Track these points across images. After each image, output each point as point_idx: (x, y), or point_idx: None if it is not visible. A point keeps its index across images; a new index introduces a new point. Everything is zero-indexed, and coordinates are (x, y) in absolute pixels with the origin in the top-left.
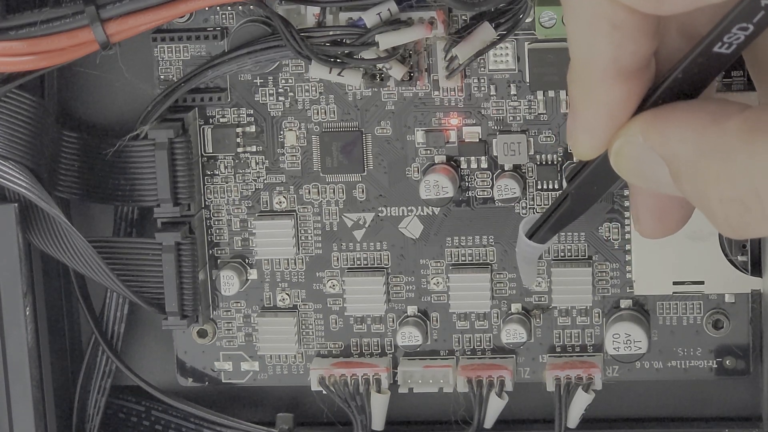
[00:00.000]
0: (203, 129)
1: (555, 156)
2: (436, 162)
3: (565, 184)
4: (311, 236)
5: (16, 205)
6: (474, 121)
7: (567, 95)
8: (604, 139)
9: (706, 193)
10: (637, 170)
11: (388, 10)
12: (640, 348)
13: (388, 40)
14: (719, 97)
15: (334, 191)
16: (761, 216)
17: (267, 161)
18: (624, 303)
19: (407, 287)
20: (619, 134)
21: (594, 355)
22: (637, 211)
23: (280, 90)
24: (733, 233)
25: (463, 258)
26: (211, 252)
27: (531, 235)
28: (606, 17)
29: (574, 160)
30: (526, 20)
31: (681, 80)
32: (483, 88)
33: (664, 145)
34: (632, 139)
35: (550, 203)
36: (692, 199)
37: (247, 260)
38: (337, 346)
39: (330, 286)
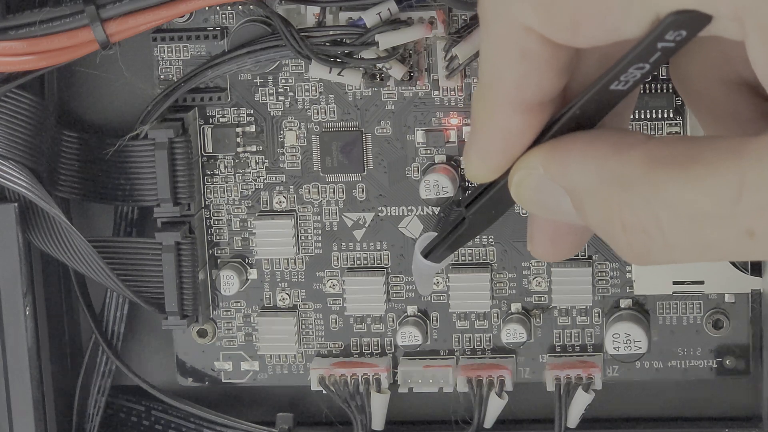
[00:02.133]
0: (203, 129)
1: None
2: (436, 162)
3: None
4: (311, 236)
5: (16, 205)
6: None
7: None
8: (496, 165)
9: (610, 221)
10: (539, 201)
11: (388, 10)
12: (640, 348)
13: (388, 40)
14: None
15: (334, 191)
16: (663, 245)
17: (267, 161)
18: (624, 303)
19: (407, 287)
20: (519, 166)
21: (594, 355)
22: (533, 233)
23: (280, 90)
24: (637, 260)
25: (463, 258)
26: (211, 252)
27: (427, 254)
28: (516, 44)
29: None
30: None
31: (579, 114)
32: None
33: (565, 176)
34: (532, 171)
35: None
36: (596, 228)
37: (247, 260)
38: (337, 345)
39: (330, 286)
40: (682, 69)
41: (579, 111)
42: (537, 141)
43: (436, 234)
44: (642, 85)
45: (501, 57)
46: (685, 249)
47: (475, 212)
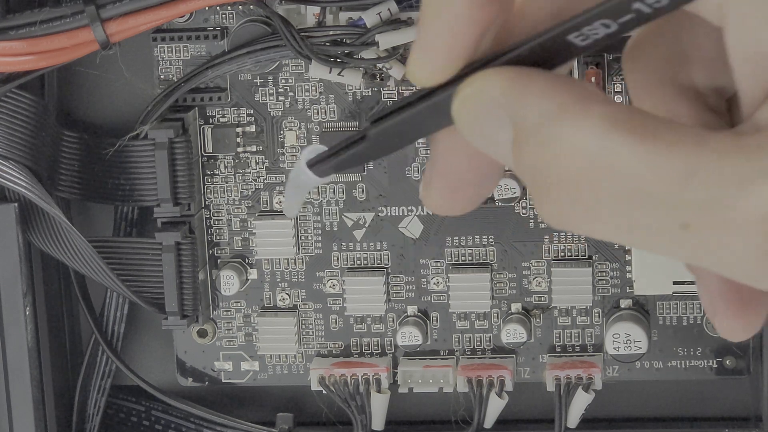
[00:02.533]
0: (203, 129)
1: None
2: None
3: None
4: (311, 236)
5: (16, 205)
6: None
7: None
8: (439, 63)
9: (547, 168)
10: (479, 124)
11: (388, 10)
12: (640, 348)
13: (388, 40)
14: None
15: (334, 191)
16: (586, 212)
17: (267, 161)
18: (624, 303)
19: (407, 287)
20: (474, 80)
21: (594, 355)
22: (431, 178)
23: (280, 90)
24: (555, 219)
25: (463, 258)
26: (211, 252)
27: (313, 165)
28: None
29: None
30: None
31: (526, 57)
32: None
33: (521, 107)
34: (487, 88)
35: None
36: (525, 171)
37: (247, 260)
38: (337, 345)
39: (330, 286)
40: (636, 59)
41: (527, 52)
42: (482, 66)
43: (327, 148)
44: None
45: None
46: (612, 224)
47: (380, 130)
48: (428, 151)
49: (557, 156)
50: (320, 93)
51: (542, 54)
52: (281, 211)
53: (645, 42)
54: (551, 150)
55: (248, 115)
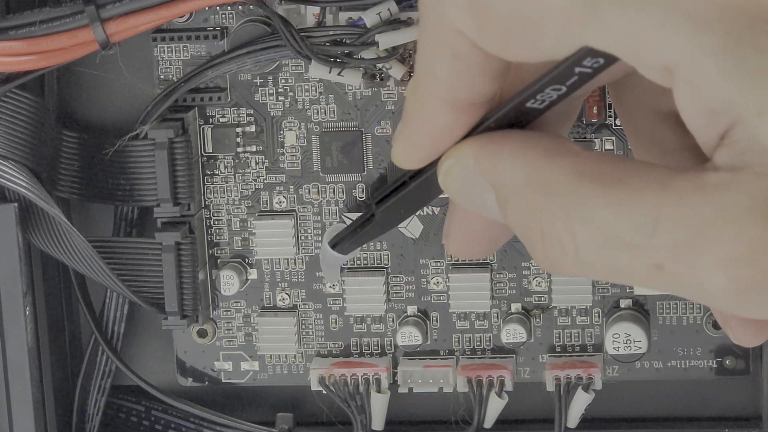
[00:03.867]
0: (203, 129)
1: None
2: None
3: None
4: (311, 236)
5: (16, 205)
6: None
7: None
8: (420, 156)
9: (529, 225)
10: (464, 192)
11: (388, 10)
12: (640, 348)
13: (388, 40)
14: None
15: (334, 191)
16: (575, 259)
17: (267, 161)
18: (624, 303)
19: (407, 287)
20: (450, 154)
21: (594, 355)
22: (450, 227)
23: (280, 90)
24: (550, 269)
25: (463, 258)
26: (211, 252)
27: (335, 245)
28: (449, 45)
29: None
30: None
31: (501, 122)
32: None
33: (494, 173)
34: (462, 161)
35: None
36: (515, 229)
37: (247, 260)
38: (337, 345)
39: (330, 286)
40: (620, 92)
41: (493, 124)
42: (471, 134)
43: (344, 227)
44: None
45: (434, 55)
46: (596, 268)
47: (385, 209)
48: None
49: (536, 217)
50: (320, 93)
51: (512, 119)
52: (281, 211)
53: (626, 75)
54: (530, 212)
55: (248, 115)
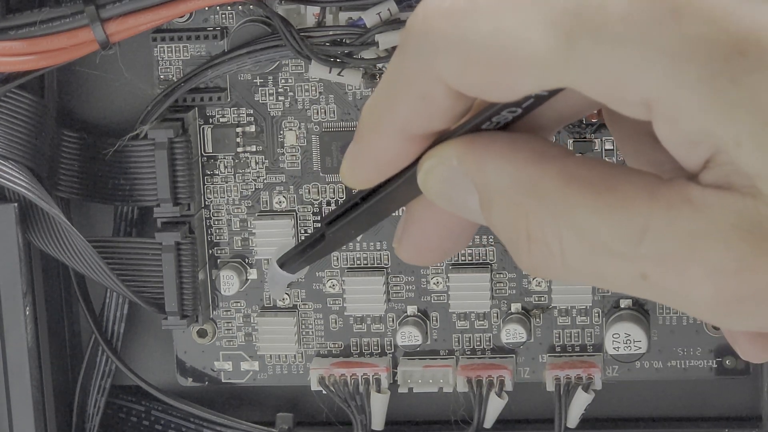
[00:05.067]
0: (203, 129)
1: None
2: None
3: None
4: None
5: (16, 205)
6: None
7: None
8: (365, 177)
9: (515, 227)
10: (445, 193)
11: (388, 10)
12: (640, 348)
13: (388, 40)
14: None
15: (334, 191)
16: (560, 264)
17: (267, 161)
18: (624, 303)
19: (407, 287)
20: (433, 154)
21: (594, 355)
22: (403, 233)
23: (280, 90)
24: (534, 272)
25: (463, 258)
26: (211, 252)
27: (283, 263)
28: (421, 87)
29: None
30: None
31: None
32: None
33: (480, 173)
34: (445, 161)
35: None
36: (498, 230)
37: (247, 260)
38: (336, 345)
39: (330, 286)
40: (613, 115)
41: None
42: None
43: (293, 247)
44: None
45: (401, 92)
46: (581, 274)
47: (335, 230)
48: None
49: (522, 219)
50: (320, 93)
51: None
52: (281, 211)
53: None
54: (517, 214)
55: (248, 115)
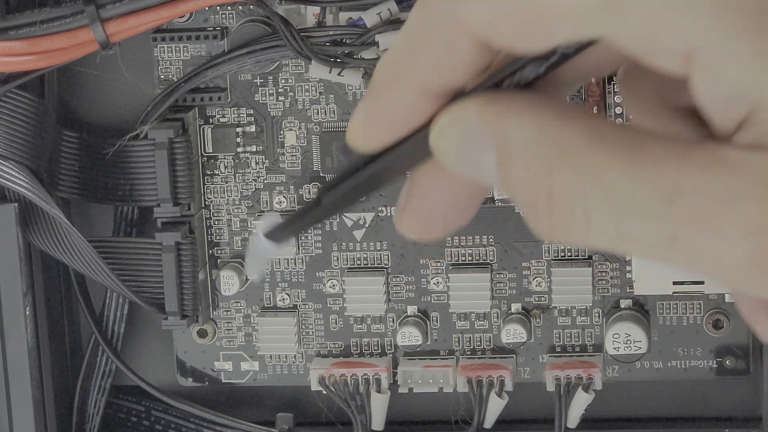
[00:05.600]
0: (203, 129)
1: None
2: None
3: None
4: (311, 236)
5: (16, 205)
6: None
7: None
8: (375, 135)
9: (537, 185)
10: (459, 151)
11: (388, 10)
12: (640, 348)
13: (388, 40)
14: None
15: None
16: (583, 224)
17: (267, 161)
18: (624, 303)
19: (407, 287)
20: (451, 109)
21: (594, 355)
22: (406, 204)
23: (280, 90)
24: (551, 233)
25: (463, 258)
26: (211, 252)
27: (269, 233)
28: (447, 36)
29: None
30: None
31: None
32: None
33: (501, 129)
34: (465, 116)
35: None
36: (515, 190)
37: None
38: (337, 346)
39: (330, 286)
40: (629, 86)
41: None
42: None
43: (280, 215)
44: None
45: (425, 42)
46: (605, 235)
47: (332, 196)
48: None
49: (546, 176)
50: (320, 93)
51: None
52: (281, 212)
53: (635, 69)
54: (540, 171)
55: (248, 115)
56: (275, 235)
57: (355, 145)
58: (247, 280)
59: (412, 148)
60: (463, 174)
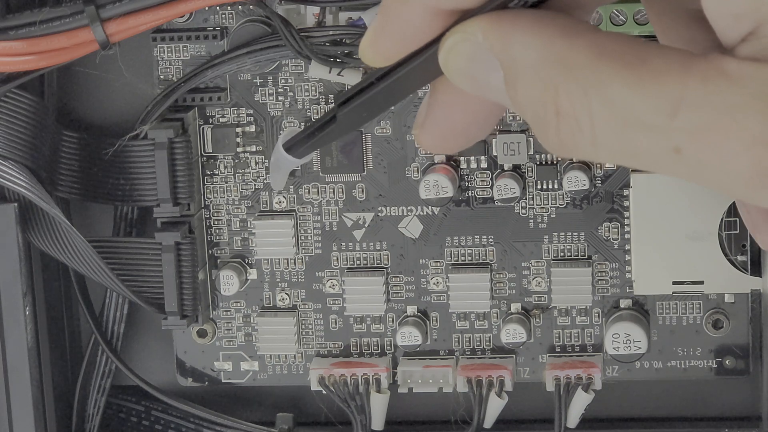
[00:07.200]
0: (203, 129)
1: (555, 156)
2: (436, 162)
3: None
4: (311, 236)
5: (16, 205)
6: None
7: None
8: (385, 51)
9: (544, 102)
10: (468, 70)
11: None
12: (640, 348)
13: None
14: None
15: (333, 191)
16: (590, 139)
17: (267, 161)
18: (624, 303)
19: (407, 287)
20: (456, 30)
21: (594, 355)
22: (426, 118)
23: (279, 90)
24: (560, 149)
25: (463, 258)
26: (210, 252)
27: (289, 147)
28: None
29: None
30: None
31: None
32: None
33: (507, 48)
34: (470, 37)
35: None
36: (524, 108)
37: (246, 260)
38: (336, 346)
39: (330, 286)
40: None
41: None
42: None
43: (301, 129)
44: None
45: None
46: (611, 149)
47: (348, 111)
48: (427, 151)
49: (552, 93)
50: (320, 93)
51: None
52: (281, 211)
53: None
54: (546, 88)
55: (248, 115)
56: (294, 147)
57: (366, 60)
58: (247, 280)
59: (424, 64)
60: (474, 93)
